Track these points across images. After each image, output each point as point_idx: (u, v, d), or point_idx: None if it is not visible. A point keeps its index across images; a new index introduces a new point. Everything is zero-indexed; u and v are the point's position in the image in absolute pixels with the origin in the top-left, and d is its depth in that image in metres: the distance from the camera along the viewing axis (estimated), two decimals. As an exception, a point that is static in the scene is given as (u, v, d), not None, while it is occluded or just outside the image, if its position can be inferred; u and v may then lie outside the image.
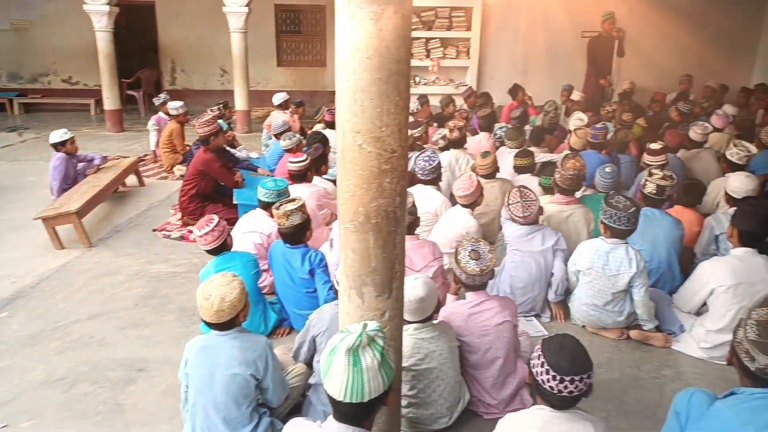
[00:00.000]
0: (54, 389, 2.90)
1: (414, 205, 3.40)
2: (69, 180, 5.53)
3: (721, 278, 2.99)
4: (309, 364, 2.72)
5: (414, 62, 9.54)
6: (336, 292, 2.68)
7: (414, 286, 2.46)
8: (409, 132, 5.61)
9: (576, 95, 8.34)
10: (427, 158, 4.46)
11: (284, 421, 2.20)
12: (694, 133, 5.62)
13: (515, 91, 8.33)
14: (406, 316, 2.47)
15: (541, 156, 5.54)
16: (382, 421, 2.14)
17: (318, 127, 6.93)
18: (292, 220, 3.23)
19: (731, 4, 9.61)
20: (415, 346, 2.46)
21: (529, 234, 3.56)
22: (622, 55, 8.10)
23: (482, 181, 4.53)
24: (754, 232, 2.97)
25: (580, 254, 3.36)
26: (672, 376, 3.04)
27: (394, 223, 1.93)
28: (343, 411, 1.59)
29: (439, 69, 9.54)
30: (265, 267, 3.72)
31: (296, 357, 2.75)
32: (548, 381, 1.78)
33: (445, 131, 5.83)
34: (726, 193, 3.96)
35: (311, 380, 2.60)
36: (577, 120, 6.48)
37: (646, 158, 4.81)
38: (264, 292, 3.61)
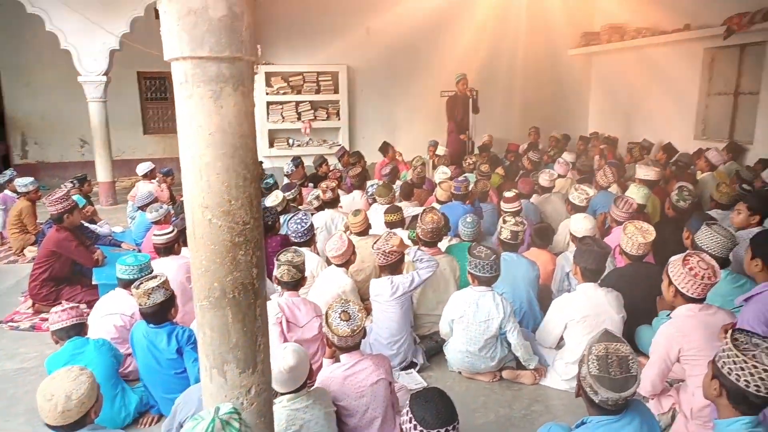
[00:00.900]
0: None
1: (303, 264, 3.45)
2: None
3: (571, 313, 3.27)
4: (179, 452, 2.52)
5: (286, 125, 9.70)
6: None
7: (283, 356, 2.41)
8: (283, 195, 5.71)
9: (441, 150, 8.91)
10: (299, 221, 4.47)
11: None
12: (543, 179, 6.21)
13: (385, 148, 8.72)
14: (277, 388, 2.40)
15: (410, 210, 5.78)
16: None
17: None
18: (154, 298, 3.04)
19: (564, 65, 10.94)
20: (290, 418, 2.38)
21: (384, 284, 3.63)
22: (476, 111, 8.82)
23: (356, 239, 4.67)
24: (590, 268, 3.30)
25: (452, 305, 3.51)
26: (541, 411, 3.21)
27: (253, 296, 1.90)
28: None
29: (311, 130, 9.74)
30: (129, 351, 3.45)
31: (165, 447, 2.54)
32: (417, 436, 1.80)
33: (318, 192, 5.91)
34: (570, 233, 4.38)
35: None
36: (441, 174, 6.90)
37: (502, 205, 5.22)
38: (128, 378, 3.33)
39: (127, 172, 10.90)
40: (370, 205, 6.20)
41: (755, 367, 1.84)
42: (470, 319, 3.42)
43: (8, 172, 7.15)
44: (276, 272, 3.47)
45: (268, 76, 9.50)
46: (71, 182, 6.97)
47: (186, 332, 3.12)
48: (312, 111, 9.76)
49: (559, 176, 6.84)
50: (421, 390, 1.94)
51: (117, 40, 8.29)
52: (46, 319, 3.65)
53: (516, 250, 4.09)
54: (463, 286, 4.04)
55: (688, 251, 3.00)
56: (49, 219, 5.51)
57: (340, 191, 6.38)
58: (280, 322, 3.27)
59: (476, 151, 9.22)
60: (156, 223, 5.19)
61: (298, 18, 9.47)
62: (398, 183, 6.92)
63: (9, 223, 6.42)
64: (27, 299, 4.93)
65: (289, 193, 5.98)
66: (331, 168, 8.02)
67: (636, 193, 5.19)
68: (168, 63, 1.71)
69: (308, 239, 4.47)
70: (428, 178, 7.50)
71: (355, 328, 2.71)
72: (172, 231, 4.30)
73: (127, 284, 3.59)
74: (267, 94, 9.49)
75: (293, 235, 4.43)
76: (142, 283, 3.11)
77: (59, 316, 3.11)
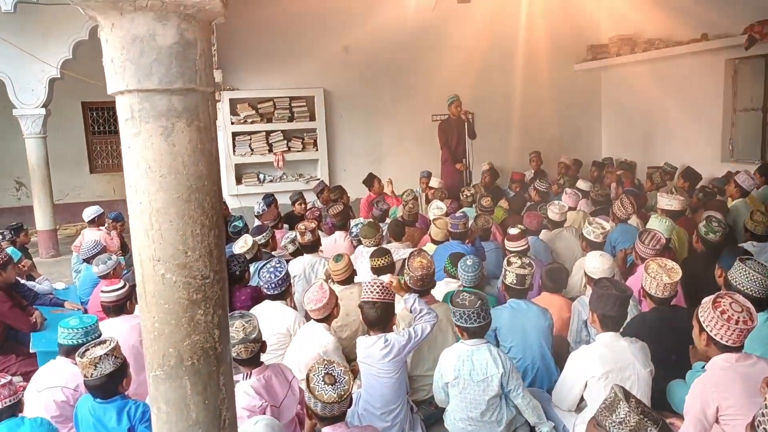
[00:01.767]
0: None
1: (258, 332, 3.31)
2: None
3: (591, 369, 3.25)
4: None
5: (256, 158, 9.78)
6: None
7: (254, 432, 2.37)
8: (254, 239, 5.71)
9: (435, 182, 9.01)
10: (272, 269, 4.46)
11: None
12: (552, 212, 6.28)
13: (370, 181, 8.80)
14: (248, 472, 2.35)
15: (401, 252, 5.79)
16: None
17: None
18: (102, 368, 2.99)
19: (569, 81, 11.19)
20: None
21: (375, 343, 3.51)
22: (473, 137, 8.96)
23: (339, 288, 4.65)
24: (610, 314, 3.31)
25: (443, 365, 3.47)
26: (562, 485, 3.15)
27: (215, 362, 1.88)
28: None
29: (285, 163, 9.81)
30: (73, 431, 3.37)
31: None
32: None
33: (294, 234, 5.91)
34: (585, 274, 4.41)
35: None
36: (436, 209, 6.94)
37: (507, 244, 5.25)
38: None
39: (71, 217, 10.86)
40: (355, 247, 6.21)
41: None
42: (466, 380, 3.38)
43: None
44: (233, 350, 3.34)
45: (234, 103, 9.62)
46: (4, 232, 6.93)
47: (140, 408, 3.06)
48: (285, 141, 9.86)
49: (571, 208, 6.92)
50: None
51: (57, 67, 8.37)
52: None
53: (524, 296, 4.09)
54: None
55: (719, 292, 3.02)
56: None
57: (319, 233, 6.38)
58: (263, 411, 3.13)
59: (474, 182, 9.34)
60: (104, 277, 5.14)
61: (267, 37, 9.66)
62: (387, 221, 6.97)
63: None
64: (-50, 373, 4.81)
65: (260, 236, 5.99)
66: (309, 206, 8.05)
67: (658, 226, 5.25)
68: (115, 95, 1.74)
69: (283, 290, 4.45)
70: (421, 214, 7.56)
71: (342, 392, 2.67)
72: (124, 286, 4.26)
73: (70, 351, 3.53)
74: (232, 123, 9.59)
75: (266, 286, 4.40)
76: (87, 349, 3.06)
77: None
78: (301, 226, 5.73)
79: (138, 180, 1.75)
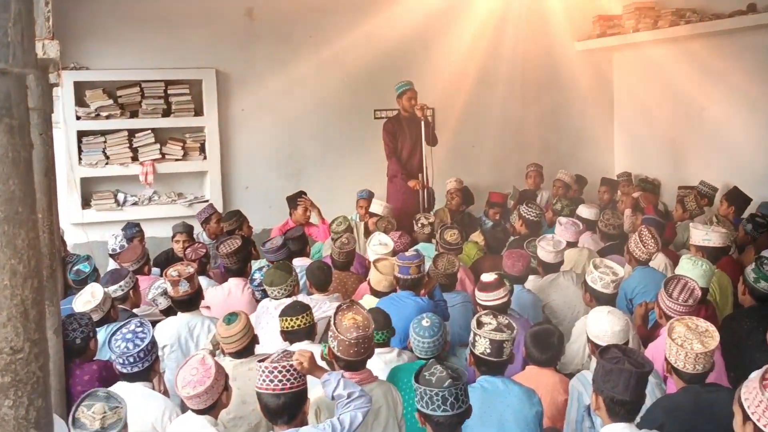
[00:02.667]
0: None
1: (125, 426, 3.31)
2: None
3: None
4: None
5: (113, 169, 9.63)
6: None
7: None
8: (104, 291, 5.59)
9: (378, 206, 9.03)
10: (131, 335, 4.37)
11: None
12: (544, 251, 6.38)
13: (295, 201, 8.85)
14: None
15: (325, 308, 5.75)
16: None
17: None
18: None
19: (569, 66, 11.42)
20: None
21: None
22: (433, 142, 9.11)
23: (230, 363, 4.60)
24: (621, 398, 3.37)
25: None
26: None
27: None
28: None
29: (157, 177, 9.68)
30: None
31: None
32: None
33: (166, 284, 5.81)
34: (589, 340, 4.48)
35: None
36: (379, 246, 6.93)
37: (479, 297, 5.30)
38: None
39: None
40: (258, 301, 6.17)
41: None
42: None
43: None
44: None
45: (80, 88, 9.48)
46: None
47: None
48: (158, 146, 9.76)
49: (570, 244, 7.04)
50: None
51: None
52: None
53: (502, 371, 4.13)
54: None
55: (771, 365, 3.09)
56: None
57: (203, 280, 6.34)
58: None
59: (436, 207, 9.45)
60: None
61: (132, -6, 9.62)
62: (303, 263, 6.92)
63: None
64: None
65: (115, 286, 5.90)
66: (196, 240, 7.97)
67: (692, 270, 5.38)
68: None
69: (147, 367, 4.36)
70: (357, 252, 7.58)
71: None
72: None
73: None
74: (78, 118, 9.44)
75: (121, 360, 4.31)
76: None
77: None
78: (172, 271, 5.64)
79: None
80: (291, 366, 3.69)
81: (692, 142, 10.51)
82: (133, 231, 7.88)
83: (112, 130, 9.59)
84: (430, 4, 10.32)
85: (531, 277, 6.39)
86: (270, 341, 5.19)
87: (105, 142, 9.58)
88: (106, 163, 9.61)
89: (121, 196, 9.81)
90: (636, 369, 3.42)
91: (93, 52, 9.56)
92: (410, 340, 4.73)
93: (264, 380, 3.66)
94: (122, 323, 4.85)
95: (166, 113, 9.81)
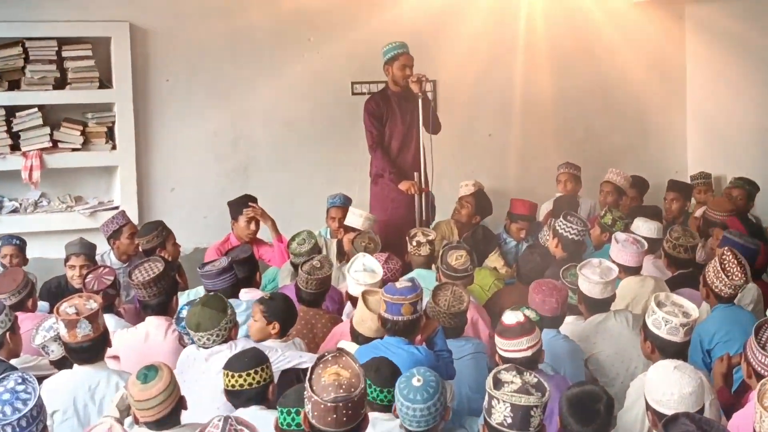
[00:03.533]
0: None
1: None
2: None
3: None
4: None
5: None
6: None
7: None
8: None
9: (356, 217, 8.98)
10: (8, 396, 4.33)
11: None
12: (587, 282, 6.35)
13: (240, 208, 8.81)
14: None
15: (288, 359, 5.76)
16: None
17: None
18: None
19: (621, 28, 11.49)
20: None
21: None
22: (434, 129, 9.12)
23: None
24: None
25: None
26: None
27: None
28: None
29: (45, 175, 9.66)
30: None
31: None
32: None
33: (59, 325, 5.81)
34: (649, 407, 4.48)
35: None
36: (362, 273, 6.88)
37: (499, 344, 5.25)
38: None
39: None
40: (185, 346, 6.16)
41: None
42: None
43: None
44: None
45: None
46: None
47: None
48: (47, 130, 9.78)
49: (628, 271, 7.05)
50: None
51: None
52: None
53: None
54: None
55: None
56: None
57: (110, 320, 6.35)
58: None
59: (438, 218, 9.49)
60: None
61: None
62: (252, 295, 6.93)
63: None
64: None
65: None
66: (100, 263, 7.92)
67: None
68: None
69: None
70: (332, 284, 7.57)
71: None
72: None
73: None
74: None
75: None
76: None
77: None
78: (67, 307, 5.62)
79: None
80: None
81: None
82: (11, 244, 7.84)
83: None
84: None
85: (569, 319, 6.39)
86: (200, 404, 5.18)
87: (-30, 124, 9.61)
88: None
89: (-1, 200, 9.84)
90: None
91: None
92: (395, 406, 4.67)
93: None
94: (-2, 378, 4.85)
95: (60, 84, 9.83)
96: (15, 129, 9.66)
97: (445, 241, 8.34)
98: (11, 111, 9.61)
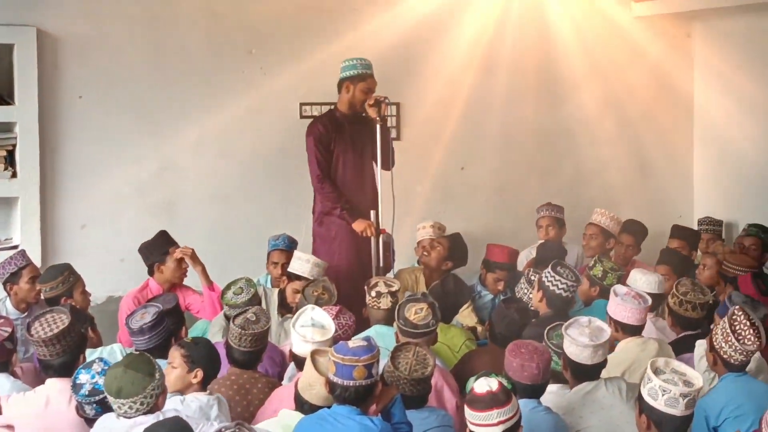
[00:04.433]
0: None
1: None
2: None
3: None
4: None
5: None
6: None
7: None
8: None
9: (304, 263, 8.98)
10: None
11: None
12: (574, 344, 6.36)
13: (161, 249, 8.81)
14: None
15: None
16: None
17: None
18: None
19: (620, 45, 11.64)
20: None
21: None
22: (388, 165, 9.12)
23: None
24: None
25: None
26: None
27: None
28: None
29: None
30: None
31: None
32: None
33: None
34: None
35: None
36: (310, 329, 6.88)
37: (469, 416, 5.26)
38: None
39: None
40: (90, 420, 6.10)
41: None
42: None
43: None
44: None
45: None
46: None
47: None
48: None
49: (625, 331, 7.08)
50: None
51: None
52: None
53: None
54: None
55: None
56: None
57: (4, 381, 6.39)
58: None
59: (399, 267, 9.49)
60: None
61: None
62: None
63: None
64: None
65: None
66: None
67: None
68: None
69: None
70: (271, 342, 7.57)
71: None
72: None
73: None
74: None
75: None
76: None
77: None
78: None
79: None
80: None
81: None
82: None
83: None
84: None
85: (553, 387, 6.40)
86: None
87: None
88: None
89: None
90: None
91: None
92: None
93: None
94: None
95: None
96: None
97: (408, 292, 8.31)
98: None
